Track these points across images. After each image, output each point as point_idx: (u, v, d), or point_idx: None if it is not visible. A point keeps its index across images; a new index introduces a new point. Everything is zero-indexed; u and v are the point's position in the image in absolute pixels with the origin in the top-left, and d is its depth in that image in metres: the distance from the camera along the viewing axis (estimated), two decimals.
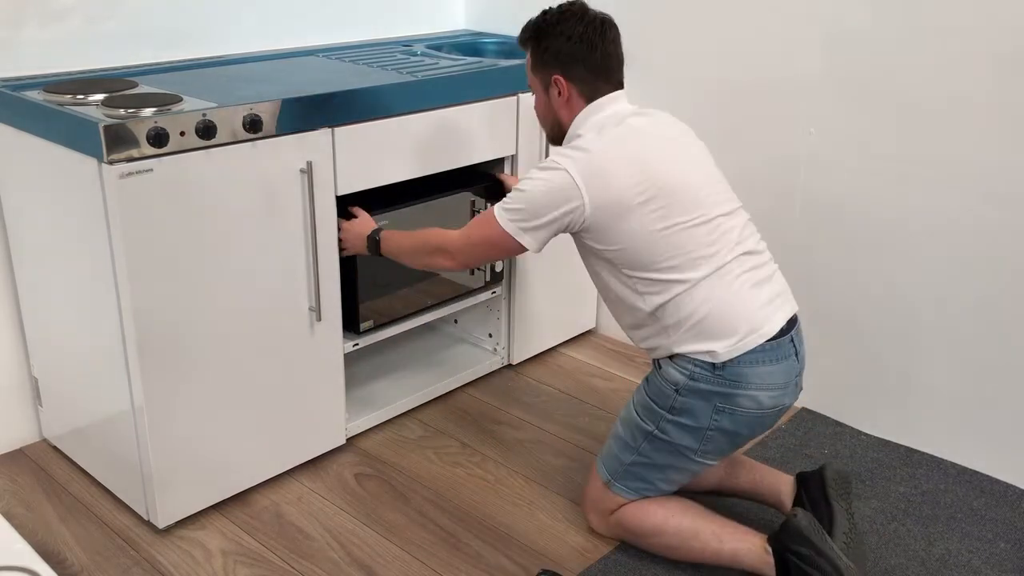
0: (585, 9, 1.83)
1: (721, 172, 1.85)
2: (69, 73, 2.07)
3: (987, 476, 2.21)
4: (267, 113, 1.85)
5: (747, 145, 2.40)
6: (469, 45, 2.75)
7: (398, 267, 2.08)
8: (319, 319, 2.07)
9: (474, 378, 2.60)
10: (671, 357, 1.78)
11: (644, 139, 1.77)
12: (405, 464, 2.23)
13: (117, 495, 2.05)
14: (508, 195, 1.80)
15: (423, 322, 2.38)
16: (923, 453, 2.30)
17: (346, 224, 2.07)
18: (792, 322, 1.79)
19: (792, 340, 1.77)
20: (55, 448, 2.23)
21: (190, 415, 1.90)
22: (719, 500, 2.02)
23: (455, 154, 2.29)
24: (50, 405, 2.20)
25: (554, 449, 2.31)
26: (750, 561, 1.77)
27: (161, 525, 1.94)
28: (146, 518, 1.97)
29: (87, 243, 1.80)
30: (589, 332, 2.92)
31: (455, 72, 2.26)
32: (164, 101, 1.80)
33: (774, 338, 1.73)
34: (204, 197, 1.80)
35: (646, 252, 1.72)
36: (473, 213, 2.37)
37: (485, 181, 2.40)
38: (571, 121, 1.84)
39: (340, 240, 2.07)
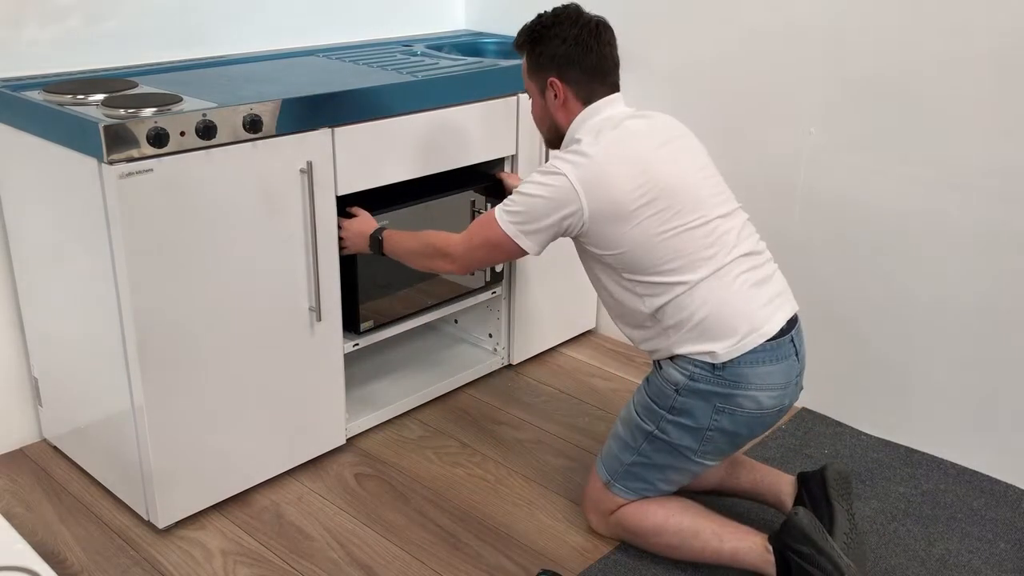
0: (579, 12, 1.83)
1: (719, 173, 1.85)
2: (69, 73, 2.07)
3: (987, 476, 2.21)
4: (267, 113, 1.85)
5: (747, 145, 2.40)
6: (469, 45, 2.75)
7: (398, 267, 2.08)
8: (319, 319, 2.07)
9: (474, 378, 2.60)
10: (671, 358, 1.78)
11: (642, 141, 1.77)
12: (405, 464, 2.23)
13: (117, 495, 2.05)
14: (509, 198, 1.80)
15: (423, 322, 2.38)
16: (923, 453, 2.30)
17: (346, 222, 2.07)
18: (792, 322, 1.79)
19: (792, 340, 1.77)
20: (55, 448, 2.23)
21: (190, 415, 1.90)
22: (719, 500, 2.02)
23: (455, 154, 2.29)
24: (50, 405, 2.20)
25: (554, 449, 2.31)
26: (751, 560, 1.77)
27: (161, 525, 1.94)
28: (146, 518, 1.97)
29: (87, 243, 1.80)
30: (589, 332, 2.92)
31: (455, 72, 2.26)
32: (164, 101, 1.80)
33: (774, 338, 1.73)
34: (204, 197, 1.80)
35: (646, 256, 1.73)
36: (473, 213, 2.37)
37: (485, 181, 2.40)
38: (568, 124, 1.85)
39: (340, 239, 2.07)
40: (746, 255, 1.77)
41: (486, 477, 2.19)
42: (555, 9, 1.85)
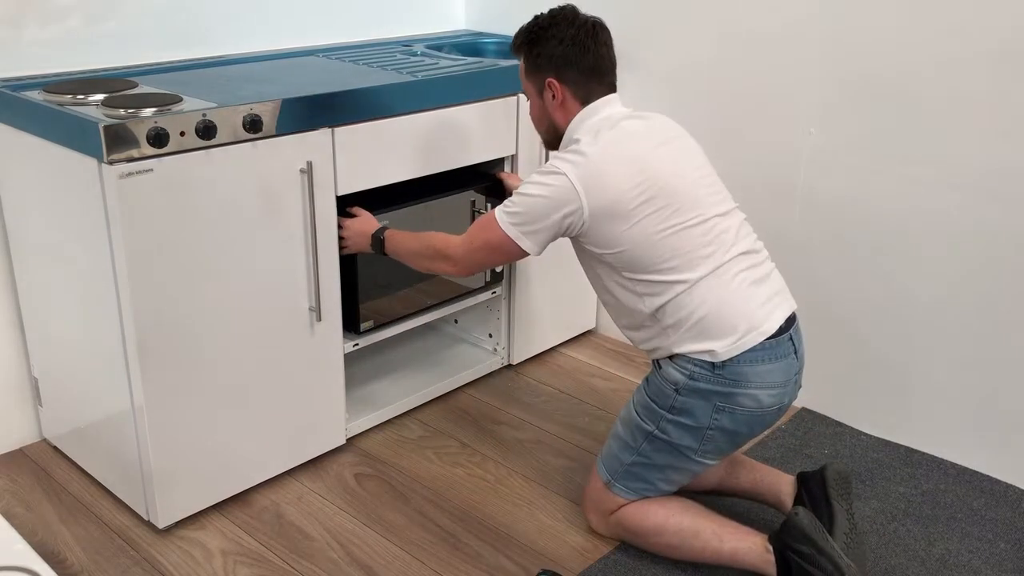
0: (576, 13, 1.84)
1: (716, 173, 1.85)
2: (69, 73, 2.07)
3: (987, 476, 2.21)
4: (267, 113, 1.85)
5: (747, 145, 2.40)
6: (469, 45, 2.76)
7: (398, 267, 2.08)
8: (319, 319, 2.07)
9: (474, 378, 2.60)
10: (671, 357, 1.79)
11: (640, 141, 1.78)
12: (405, 464, 2.23)
13: (117, 495, 2.05)
14: (509, 199, 1.81)
15: (423, 322, 2.38)
16: (923, 453, 2.30)
17: (347, 222, 2.07)
18: (791, 320, 1.79)
19: (791, 338, 1.77)
20: (55, 448, 2.23)
21: (190, 415, 1.90)
22: (719, 500, 2.02)
23: (455, 154, 2.29)
24: (50, 405, 2.20)
25: (554, 449, 2.31)
26: (751, 560, 1.77)
27: (161, 525, 1.94)
28: (146, 518, 1.97)
29: (87, 243, 1.80)
30: (589, 332, 2.92)
31: (455, 72, 2.26)
32: (164, 101, 1.80)
33: (773, 336, 1.73)
34: (204, 197, 1.80)
35: (645, 254, 1.73)
36: (473, 213, 2.37)
37: (485, 181, 2.40)
38: (567, 124, 1.85)
39: (341, 238, 2.07)
40: (744, 253, 1.77)
41: (486, 477, 2.19)
42: (551, 10, 1.85)
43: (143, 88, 1.95)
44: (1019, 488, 2.17)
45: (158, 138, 1.69)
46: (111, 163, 1.66)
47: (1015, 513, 2.09)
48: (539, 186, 1.75)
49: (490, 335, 2.67)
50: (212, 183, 1.80)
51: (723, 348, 1.71)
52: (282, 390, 2.06)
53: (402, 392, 2.45)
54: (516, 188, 1.83)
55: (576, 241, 1.82)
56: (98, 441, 2.05)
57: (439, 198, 2.28)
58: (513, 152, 2.45)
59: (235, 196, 1.85)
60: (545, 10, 1.86)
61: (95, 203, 1.72)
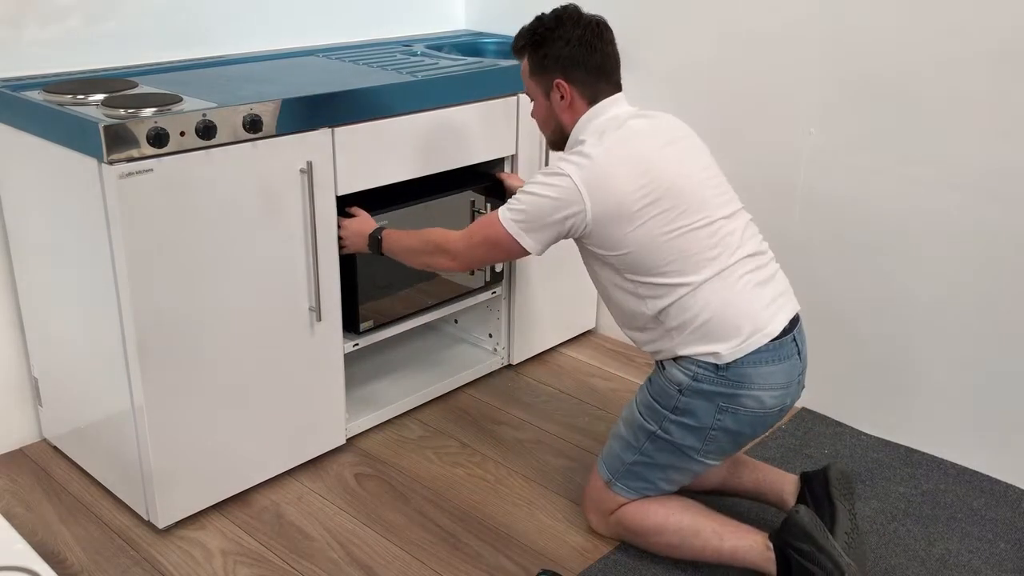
0: (580, 13, 1.84)
1: (723, 174, 1.85)
2: (69, 73, 2.07)
3: (987, 476, 2.21)
4: (267, 113, 1.85)
5: (747, 145, 2.40)
6: (469, 45, 2.75)
7: (398, 267, 2.08)
8: (319, 319, 2.07)
9: (474, 378, 2.60)
10: (675, 359, 1.78)
11: (646, 141, 1.77)
12: (405, 464, 2.23)
13: (117, 495, 2.05)
14: (512, 198, 1.81)
15: (423, 322, 2.38)
16: (923, 453, 2.30)
17: (346, 222, 2.07)
18: (794, 321, 1.79)
19: (794, 339, 1.77)
20: (55, 448, 2.23)
21: (190, 415, 1.90)
22: (720, 499, 2.02)
23: (455, 154, 2.29)
24: (50, 405, 2.19)
25: (554, 449, 2.31)
26: (751, 558, 1.77)
27: (161, 525, 1.94)
28: (146, 518, 1.97)
29: (87, 243, 1.80)
30: (589, 332, 2.92)
31: (455, 72, 2.26)
32: (164, 101, 1.80)
33: (777, 338, 1.73)
34: (204, 197, 1.80)
35: (649, 256, 1.73)
36: (473, 213, 2.37)
37: (485, 181, 2.40)
38: (573, 125, 1.85)
39: (340, 238, 2.07)
40: (750, 256, 1.77)
41: (486, 477, 2.19)
42: (555, 10, 1.85)
43: (143, 88, 1.95)
44: (1019, 488, 2.17)
45: (158, 138, 1.69)
46: (111, 163, 1.66)
47: (1015, 513, 2.09)
48: (543, 186, 1.75)
49: (490, 335, 2.67)
50: (212, 183, 1.80)
51: (727, 350, 1.71)
52: (282, 390, 2.06)
53: (402, 392, 2.45)
54: (516, 188, 1.83)
55: (580, 242, 1.82)
56: (98, 441, 2.04)
57: (439, 198, 2.28)
58: (513, 152, 2.45)
59: (235, 196, 1.84)
60: (545, 10, 1.86)
61: (95, 203, 1.72)
